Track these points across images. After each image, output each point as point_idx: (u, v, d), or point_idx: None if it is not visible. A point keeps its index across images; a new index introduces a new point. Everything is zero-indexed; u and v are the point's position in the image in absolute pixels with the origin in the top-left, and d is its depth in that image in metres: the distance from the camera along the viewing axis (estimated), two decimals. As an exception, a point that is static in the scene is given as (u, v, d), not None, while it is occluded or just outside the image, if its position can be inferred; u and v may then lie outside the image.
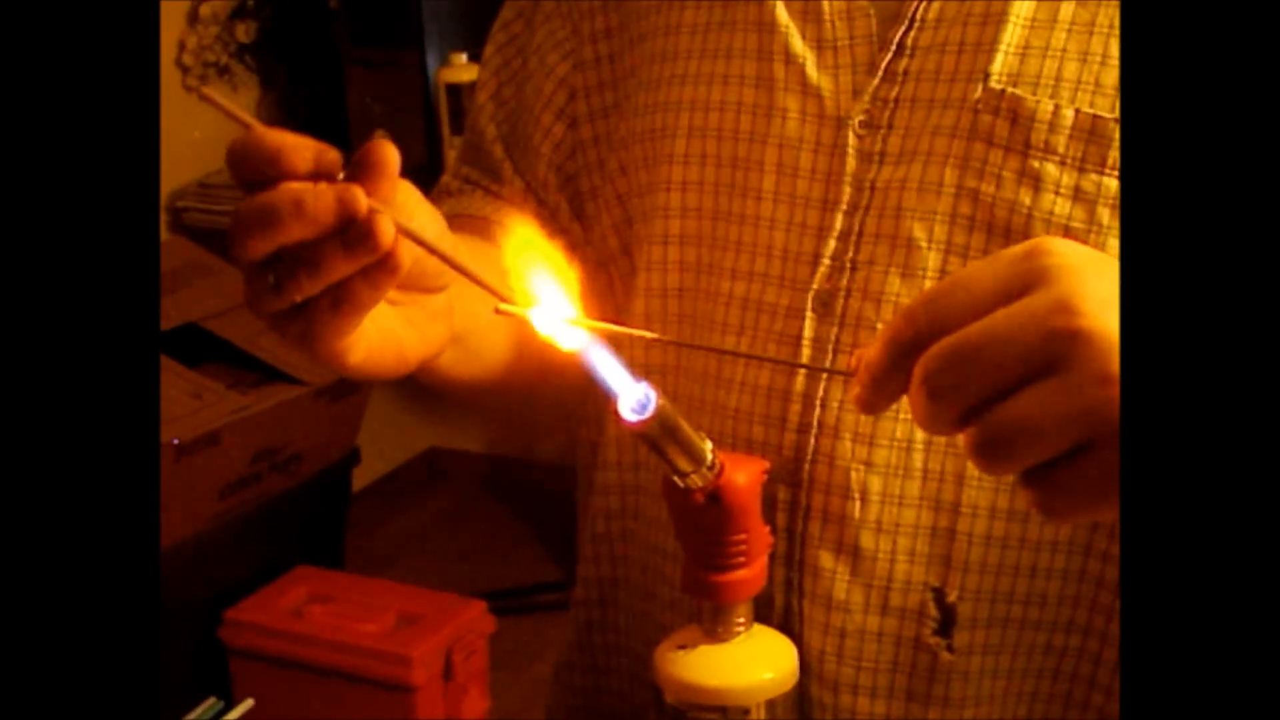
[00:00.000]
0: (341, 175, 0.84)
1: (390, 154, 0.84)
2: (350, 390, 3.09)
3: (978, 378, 0.72)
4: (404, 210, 0.86)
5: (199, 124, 3.39)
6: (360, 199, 0.82)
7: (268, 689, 2.62)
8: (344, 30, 3.35)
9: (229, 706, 1.49)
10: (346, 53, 3.36)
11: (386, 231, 0.82)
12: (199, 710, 1.51)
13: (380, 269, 0.83)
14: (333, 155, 0.83)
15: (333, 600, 2.74)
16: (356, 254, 0.83)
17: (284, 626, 2.69)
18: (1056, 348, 0.71)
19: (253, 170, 0.84)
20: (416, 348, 0.96)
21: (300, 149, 0.83)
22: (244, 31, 3.52)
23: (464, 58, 3.23)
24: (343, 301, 0.85)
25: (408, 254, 0.83)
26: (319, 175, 0.83)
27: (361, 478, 3.53)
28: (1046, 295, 0.72)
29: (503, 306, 0.83)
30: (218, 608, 2.73)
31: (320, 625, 2.68)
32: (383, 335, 0.93)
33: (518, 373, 1.14)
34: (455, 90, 3.21)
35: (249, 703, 1.50)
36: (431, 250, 0.86)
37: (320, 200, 0.82)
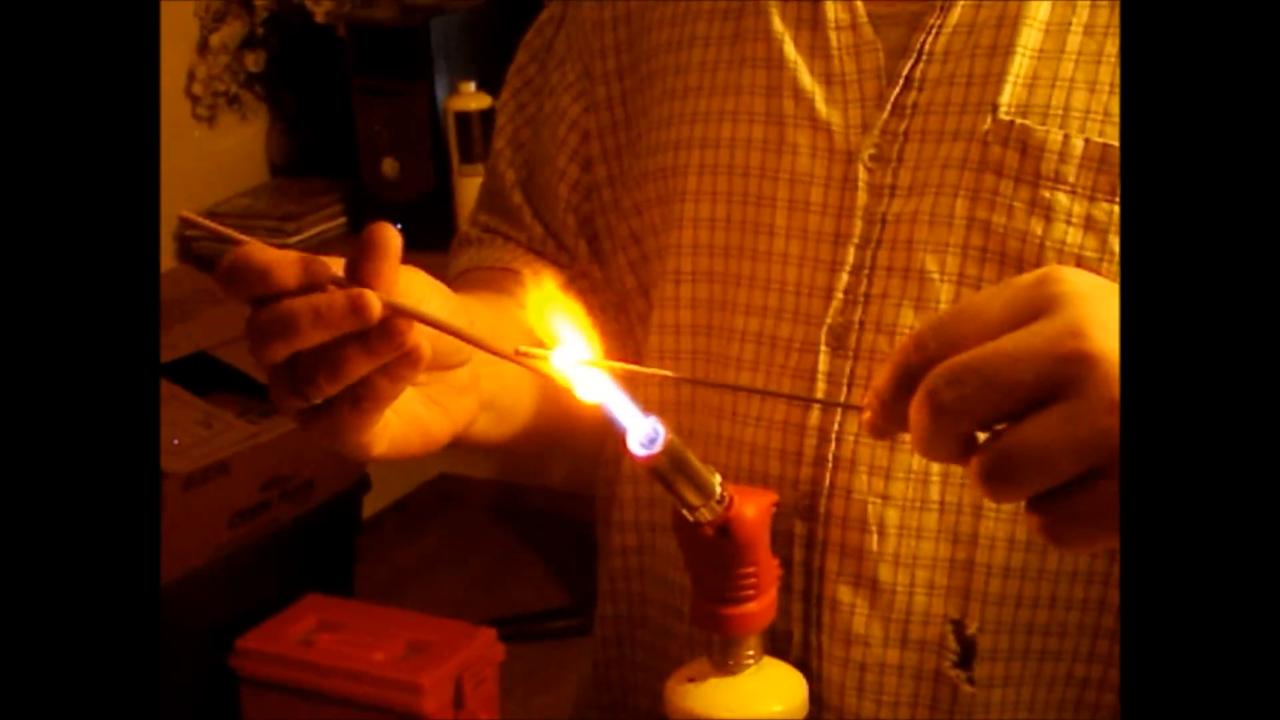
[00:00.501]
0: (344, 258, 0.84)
1: (391, 237, 0.84)
2: (360, 419, 3.08)
3: (985, 396, 0.72)
4: (411, 296, 0.86)
5: (208, 154, 3.40)
6: (373, 303, 0.82)
7: (278, 717, 2.62)
8: (352, 59, 3.35)
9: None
10: (355, 82, 3.35)
11: (405, 328, 0.82)
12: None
13: (402, 363, 0.83)
14: (321, 266, 0.83)
15: (343, 628, 2.73)
16: (377, 352, 0.83)
17: (294, 655, 2.68)
18: (1067, 371, 0.71)
19: (243, 288, 0.83)
20: (443, 426, 0.96)
21: (288, 265, 0.83)
22: (253, 61, 3.53)
23: (472, 86, 3.23)
24: (363, 398, 0.85)
25: (427, 343, 0.83)
26: (311, 287, 0.83)
27: (371, 505, 3.53)
28: (1058, 320, 0.72)
29: (523, 348, 0.83)
30: (228, 636, 2.72)
31: (330, 654, 2.67)
32: (405, 421, 0.92)
33: (545, 420, 1.14)
34: (464, 118, 3.22)
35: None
36: (451, 332, 0.86)
37: (334, 308, 0.82)
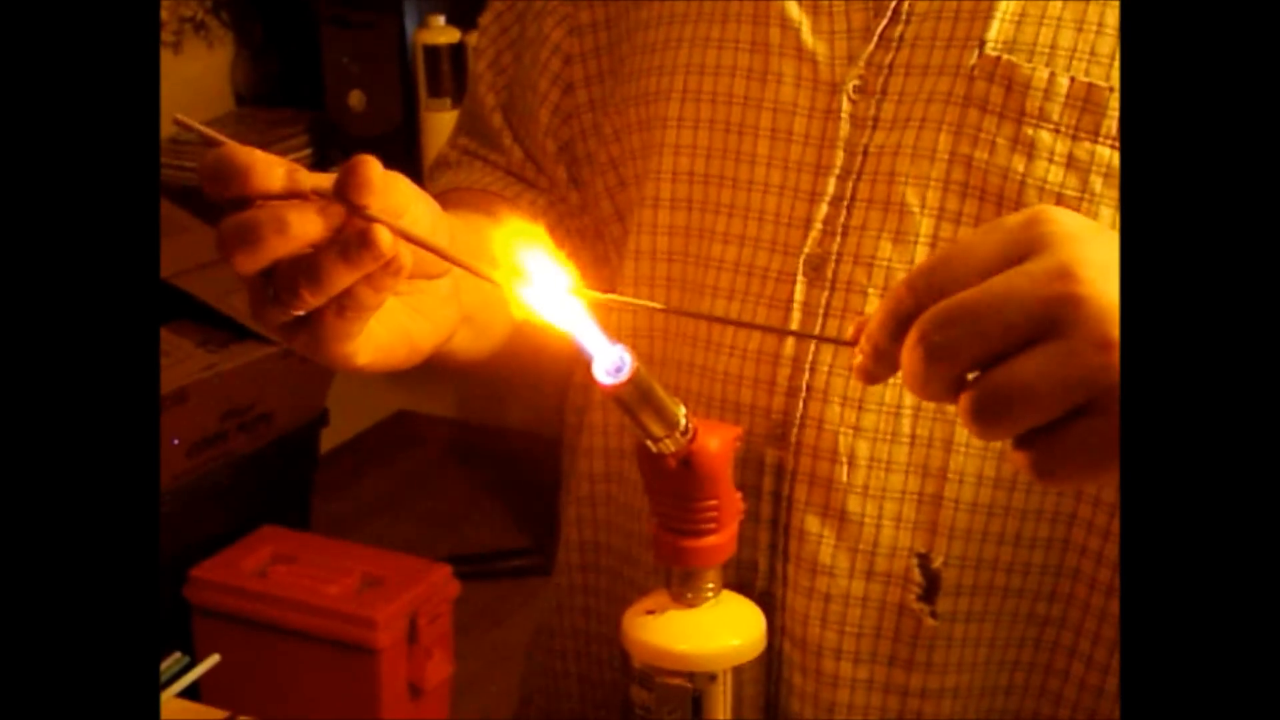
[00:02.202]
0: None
1: (371, 172, 0.84)
2: (320, 351, 3.08)
3: (976, 338, 0.73)
4: (398, 203, 0.86)
5: (173, 80, 3.38)
6: (341, 210, 0.83)
7: (231, 648, 2.61)
8: (320, -11, 3.33)
9: (193, 664, 1.48)
10: (323, 12, 3.34)
11: (385, 238, 0.82)
12: (163, 665, 1.51)
13: (383, 272, 0.83)
14: (303, 175, 0.83)
15: (298, 561, 2.74)
16: (357, 263, 0.83)
17: (248, 586, 2.68)
18: (1056, 311, 0.72)
19: (223, 187, 0.84)
20: (427, 336, 0.96)
21: (272, 166, 0.83)
22: (219, -13, 3.50)
23: (442, 20, 3.22)
24: (347, 308, 0.85)
25: (408, 252, 0.83)
26: (291, 194, 0.83)
27: (330, 439, 3.53)
28: (1047, 260, 0.73)
29: (497, 279, 0.84)
30: (183, 566, 2.72)
31: (285, 586, 2.67)
32: (390, 331, 0.93)
33: (521, 340, 1.15)
34: (433, 52, 3.20)
35: (214, 658, 1.49)
36: (428, 248, 0.86)
37: (304, 216, 0.83)
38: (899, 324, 0.76)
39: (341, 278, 0.83)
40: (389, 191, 0.85)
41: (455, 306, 0.98)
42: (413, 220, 0.87)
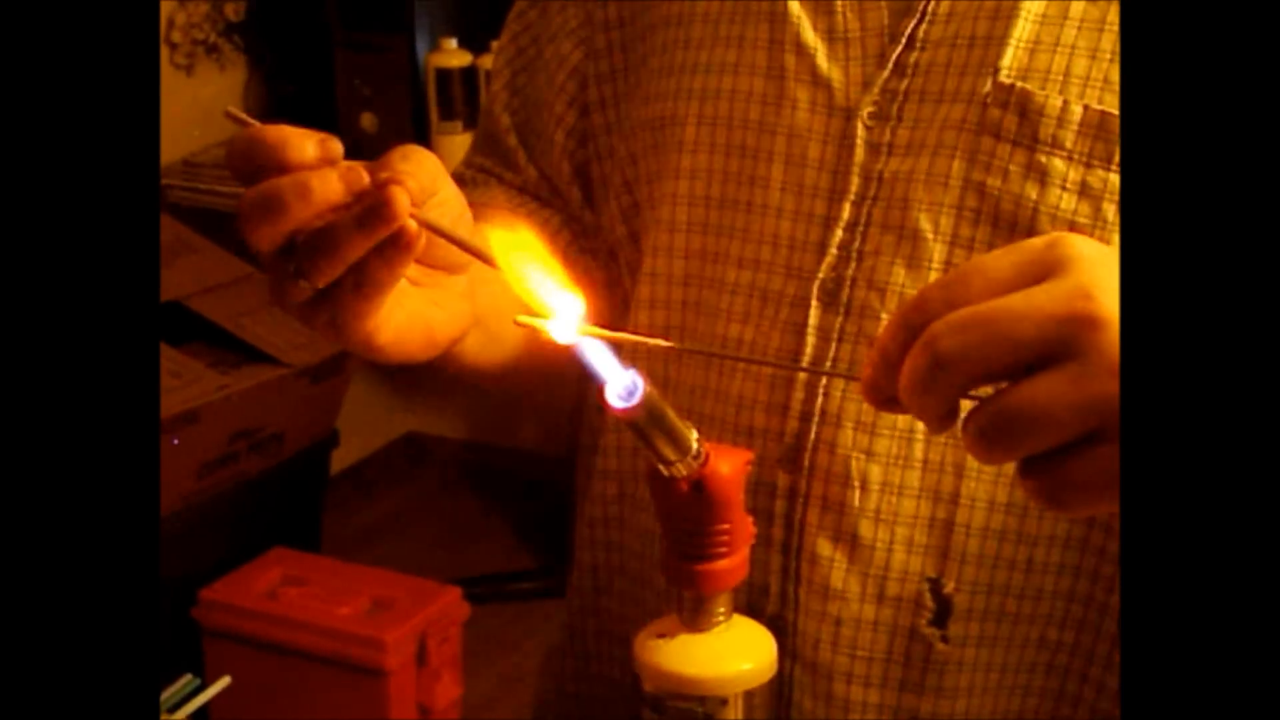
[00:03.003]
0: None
1: (406, 148, 0.87)
2: (331, 372, 3.09)
3: (988, 349, 0.72)
4: (426, 183, 0.87)
5: (184, 102, 3.39)
6: (364, 175, 0.84)
7: (241, 670, 2.60)
8: (334, 12, 3.34)
9: (203, 686, 1.49)
10: (336, 35, 3.34)
11: (400, 200, 0.83)
12: (174, 688, 1.50)
13: (394, 246, 0.84)
14: (335, 144, 0.84)
15: (308, 583, 2.74)
16: (370, 228, 0.83)
17: (258, 608, 2.68)
18: (1072, 332, 0.71)
19: (257, 164, 0.85)
20: (445, 327, 0.97)
21: (304, 138, 0.84)
22: (233, 10, 3.52)
23: (454, 43, 3.22)
24: (363, 284, 0.86)
25: (415, 224, 0.84)
26: (324, 163, 0.85)
27: (340, 460, 3.54)
28: (1067, 281, 0.72)
29: (520, 318, 0.84)
30: (193, 587, 2.72)
31: (295, 607, 2.67)
32: (410, 316, 0.93)
33: (533, 356, 1.15)
34: (445, 75, 3.21)
35: (225, 680, 1.49)
36: (442, 234, 0.87)
37: (326, 179, 0.84)
38: (910, 334, 0.75)
39: (356, 245, 0.84)
40: (418, 169, 0.86)
41: (471, 304, 0.99)
42: (440, 202, 0.88)
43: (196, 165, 3.28)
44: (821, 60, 1.06)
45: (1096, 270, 0.72)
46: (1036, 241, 0.75)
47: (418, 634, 2.64)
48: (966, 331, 0.72)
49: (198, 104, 3.41)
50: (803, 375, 1.04)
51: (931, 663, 1.04)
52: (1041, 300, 0.72)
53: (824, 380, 1.04)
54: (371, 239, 0.84)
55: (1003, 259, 0.75)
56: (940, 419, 0.75)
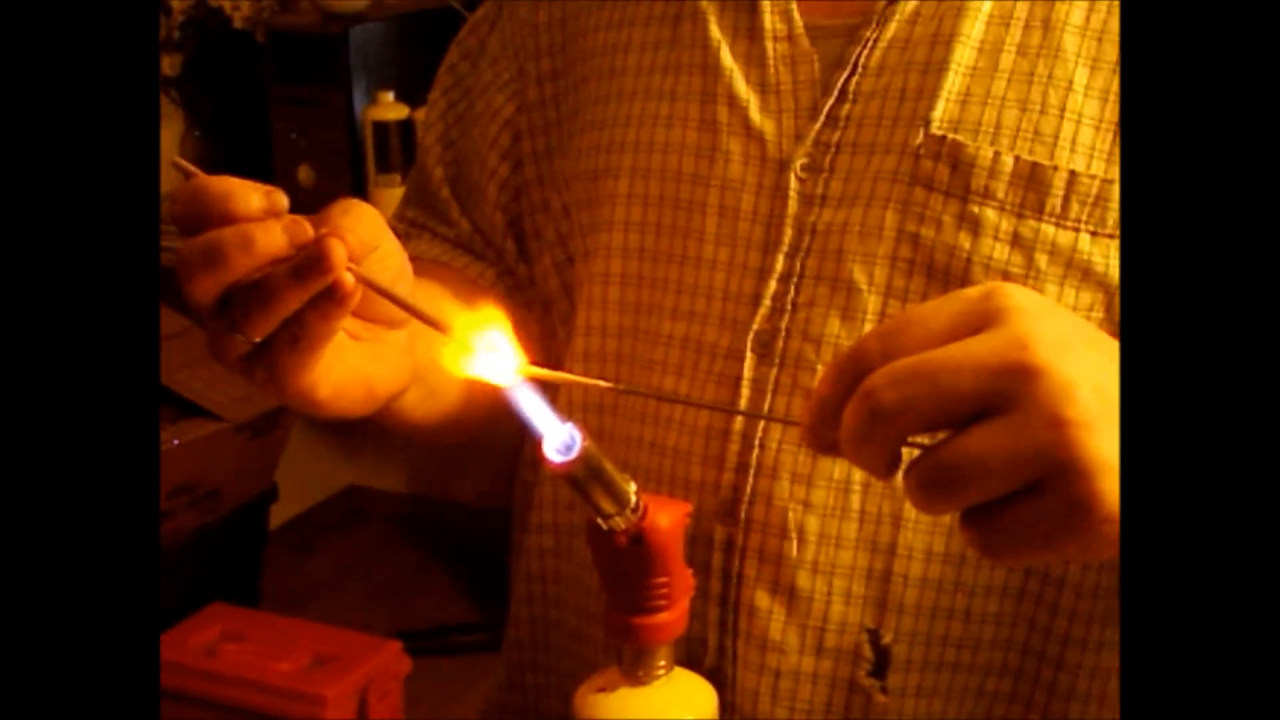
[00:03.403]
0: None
1: (348, 203, 0.87)
2: (269, 427, 3.08)
3: (926, 401, 0.72)
4: (368, 237, 0.87)
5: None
6: (307, 228, 0.83)
7: (180, 727, 2.61)
8: (270, 66, 3.34)
9: (142, 744, 1.47)
10: (272, 89, 3.35)
11: (336, 253, 0.83)
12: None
13: (330, 300, 0.84)
14: (281, 196, 0.84)
15: (247, 639, 2.71)
16: (306, 281, 0.83)
17: (197, 664, 2.66)
18: (1010, 384, 0.71)
19: (201, 214, 0.84)
20: (384, 382, 0.97)
21: (250, 190, 0.84)
22: (169, 65, 3.52)
23: (391, 96, 3.23)
24: (299, 338, 0.86)
25: (351, 278, 0.84)
26: (269, 215, 0.84)
27: (279, 515, 3.52)
28: (1003, 332, 0.72)
29: (457, 362, 0.84)
30: (131, 644, 2.70)
31: (234, 664, 2.65)
32: (349, 370, 0.93)
33: (471, 411, 1.15)
34: (382, 128, 3.22)
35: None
36: (378, 289, 0.87)
37: (269, 231, 0.83)
38: (848, 383, 0.74)
39: (292, 298, 0.84)
40: (358, 223, 0.86)
41: (410, 359, 0.98)
42: (381, 257, 0.88)
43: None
44: (754, 113, 1.07)
45: (1033, 320, 0.72)
46: (972, 292, 0.75)
47: (358, 689, 2.63)
48: (905, 384, 0.72)
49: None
50: (738, 427, 1.04)
51: (871, 715, 1.04)
52: (979, 352, 0.72)
53: (760, 432, 1.04)
54: (307, 292, 0.83)
55: (939, 309, 0.75)
56: (882, 468, 0.74)
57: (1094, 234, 1.01)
